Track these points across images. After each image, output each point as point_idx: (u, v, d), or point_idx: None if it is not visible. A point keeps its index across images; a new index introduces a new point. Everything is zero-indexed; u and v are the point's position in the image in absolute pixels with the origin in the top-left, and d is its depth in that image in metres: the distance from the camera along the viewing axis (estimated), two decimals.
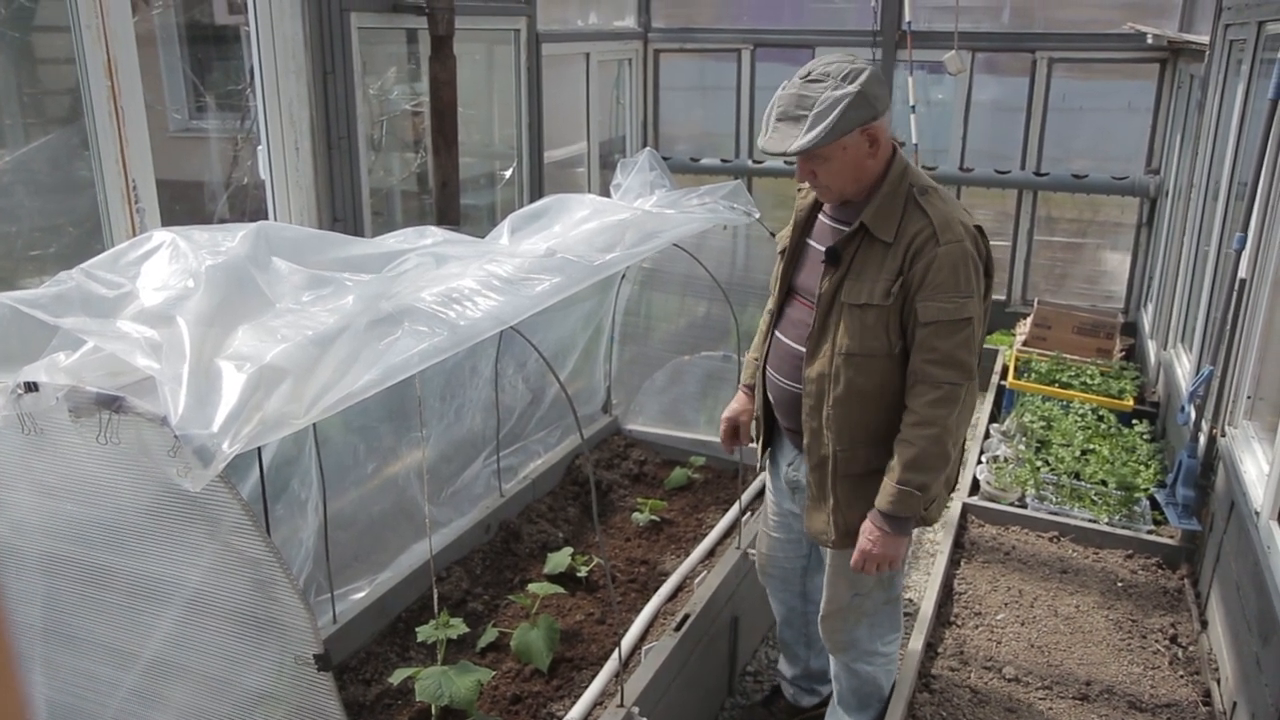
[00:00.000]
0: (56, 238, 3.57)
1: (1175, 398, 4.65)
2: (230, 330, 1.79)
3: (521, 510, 3.82)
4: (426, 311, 2.04)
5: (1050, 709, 3.15)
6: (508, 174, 5.90)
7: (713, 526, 3.65)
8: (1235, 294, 3.69)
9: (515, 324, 2.19)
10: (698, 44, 7.38)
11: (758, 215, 3.62)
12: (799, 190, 2.64)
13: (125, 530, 1.77)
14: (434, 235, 2.45)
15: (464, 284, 2.23)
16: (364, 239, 2.34)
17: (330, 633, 2.92)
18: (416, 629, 2.97)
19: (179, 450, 1.55)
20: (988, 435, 5.11)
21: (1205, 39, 4.91)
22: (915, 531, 2.72)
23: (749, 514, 3.52)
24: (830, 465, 2.47)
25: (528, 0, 5.62)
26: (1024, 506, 4.43)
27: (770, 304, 2.69)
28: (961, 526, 4.26)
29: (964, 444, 2.66)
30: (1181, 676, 3.33)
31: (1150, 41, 5.80)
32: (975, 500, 4.47)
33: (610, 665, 2.78)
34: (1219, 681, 3.29)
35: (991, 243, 2.43)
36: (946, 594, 3.78)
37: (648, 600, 3.17)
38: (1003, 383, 5.65)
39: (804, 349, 2.48)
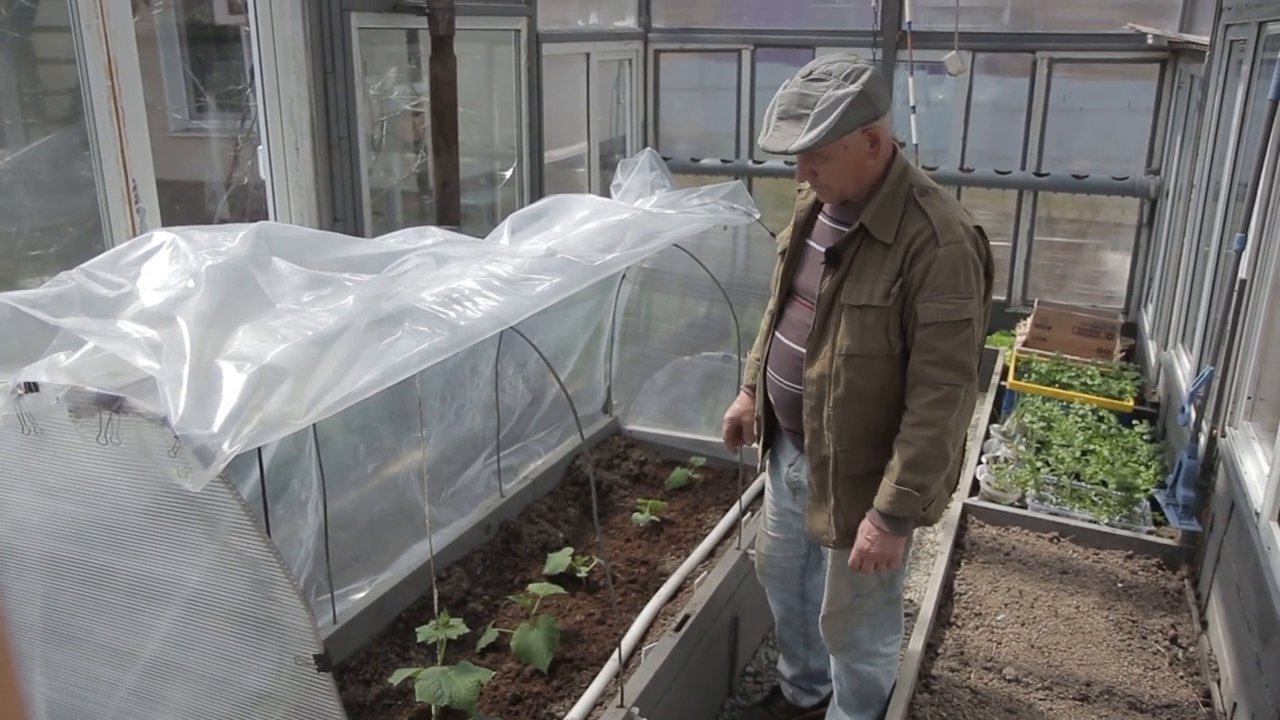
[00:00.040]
0: (57, 238, 3.57)
1: (1175, 398, 4.65)
2: (230, 330, 1.79)
3: (522, 510, 3.82)
4: (427, 312, 2.04)
5: (1050, 710, 3.15)
6: (508, 174, 5.91)
7: (713, 527, 3.65)
8: (1235, 294, 3.69)
9: (515, 324, 2.19)
10: (698, 44, 7.38)
11: (758, 216, 3.62)
12: (799, 191, 2.64)
13: (125, 530, 1.77)
14: (434, 235, 2.45)
15: (464, 284, 2.23)
16: (364, 239, 2.34)
17: (330, 633, 2.92)
18: (416, 629, 2.97)
19: (179, 450, 1.55)
20: (988, 436, 5.11)
21: (1205, 39, 4.91)
22: (915, 532, 2.72)
23: (749, 514, 3.52)
24: (831, 466, 2.47)
25: (528, 0, 5.62)
26: (1024, 507, 4.43)
27: (771, 305, 2.69)
28: (962, 527, 4.26)
29: (964, 444, 2.66)
30: (1182, 677, 3.33)
31: (1150, 42, 5.80)
32: (975, 501, 4.47)
33: (610, 666, 2.78)
34: (1219, 682, 3.29)
35: (992, 243, 2.43)
36: (947, 594, 3.78)
37: (648, 600, 3.17)
38: (1003, 383, 5.65)
39: (804, 350, 2.48)
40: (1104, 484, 4.49)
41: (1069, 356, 5.71)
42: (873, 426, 2.41)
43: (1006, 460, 4.77)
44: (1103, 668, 3.36)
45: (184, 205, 4.28)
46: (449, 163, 4.69)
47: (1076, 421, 5.02)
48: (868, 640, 2.73)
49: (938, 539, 4.30)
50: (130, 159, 3.32)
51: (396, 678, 2.73)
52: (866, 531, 2.40)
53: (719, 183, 3.59)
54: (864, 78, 2.25)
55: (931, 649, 3.43)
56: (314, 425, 2.48)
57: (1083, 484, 4.54)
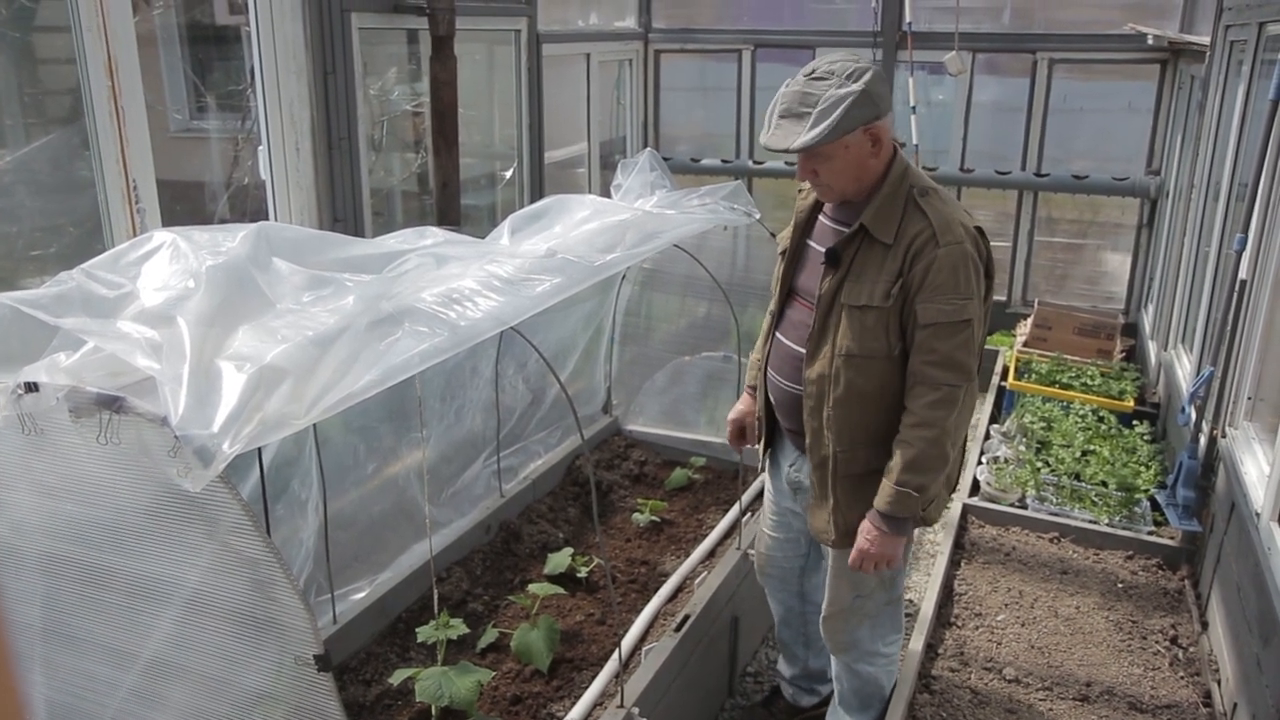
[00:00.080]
0: (57, 238, 3.57)
1: (1176, 399, 4.65)
2: (230, 330, 1.79)
3: (522, 511, 3.82)
4: (427, 312, 2.04)
5: (1050, 710, 3.15)
6: (508, 174, 5.91)
7: (713, 527, 3.65)
8: (1236, 295, 3.69)
9: (515, 324, 2.19)
10: (698, 44, 7.38)
11: (758, 216, 3.62)
12: (799, 191, 2.64)
13: (125, 530, 1.77)
14: (434, 236, 2.45)
15: (464, 284, 2.23)
16: (364, 239, 2.34)
17: (330, 633, 2.92)
18: (417, 629, 2.97)
19: (179, 450, 1.55)
20: (988, 436, 5.11)
21: (1206, 40, 4.91)
22: (915, 532, 2.72)
23: (749, 515, 3.52)
24: (831, 465, 2.47)
25: (528, 1, 5.62)
26: (1024, 507, 4.43)
27: (772, 305, 2.69)
28: (962, 527, 4.26)
29: (964, 445, 2.66)
30: (1182, 677, 3.33)
31: (1151, 42, 5.80)
32: (975, 501, 4.47)
33: (610, 666, 2.78)
34: (1219, 682, 3.28)
35: (992, 243, 2.42)
36: (947, 595, 3.78)
37: (648, 601, 3.17)
38: (1003, 383, 5.65)
39: (804, 350, 2.48)
40: (1104, 484, 4.49)
41: (1069, 357, 5.70)
42: (872, 427, 2.41)
43: (1006, 460, 4.77)
44: (1103, 668, 3.36)
45: (184, 205, 4.29)
46: (449, 163, 4.69)
47: (1077, 422, 5.02)
48: (868, 640, 2.73)
49: (938, 539, 4.30)
50: (130, 159, 3.32)
51: (396, 678, 2.73)
52: (866, 531, 2.40)
53: (719, 183, 3.59)
54: (866, 77, 2.25)
55: (932, 649, 3.43)
56: (314, 425, 2.48)
57: (1083, 484, 4.53)
